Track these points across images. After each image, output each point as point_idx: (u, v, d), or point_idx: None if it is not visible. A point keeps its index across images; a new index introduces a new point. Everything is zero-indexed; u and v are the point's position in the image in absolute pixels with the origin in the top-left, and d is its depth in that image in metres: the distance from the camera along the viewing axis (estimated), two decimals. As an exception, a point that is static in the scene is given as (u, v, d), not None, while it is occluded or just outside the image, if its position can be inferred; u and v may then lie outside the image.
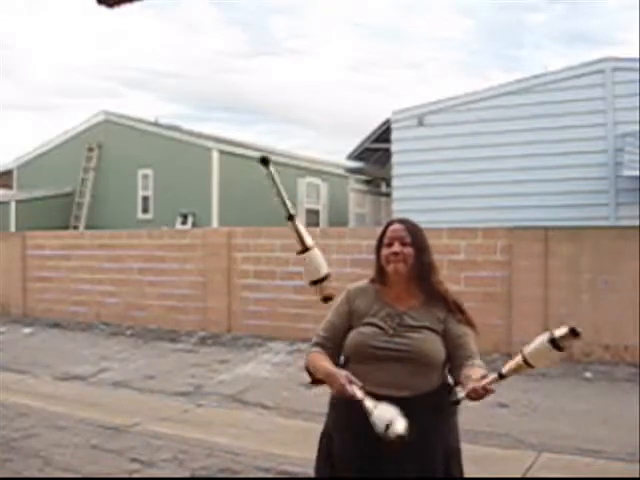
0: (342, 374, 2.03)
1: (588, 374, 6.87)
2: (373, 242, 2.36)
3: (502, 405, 5.80)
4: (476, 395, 1.97)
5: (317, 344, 2.27)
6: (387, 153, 12.68)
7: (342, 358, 2.27)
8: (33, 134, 50.24)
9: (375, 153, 14.20)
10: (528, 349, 1.96)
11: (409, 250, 2.22)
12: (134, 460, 4.42)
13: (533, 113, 10.64)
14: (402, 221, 2.32)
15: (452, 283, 7.94)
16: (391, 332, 2.17)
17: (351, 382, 1.99)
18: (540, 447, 4.69)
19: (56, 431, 5.11)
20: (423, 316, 2.20)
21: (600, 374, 6.85)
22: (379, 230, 2.36)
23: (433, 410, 2.12)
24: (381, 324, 2.19)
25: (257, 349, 8.41)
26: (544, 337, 1.93)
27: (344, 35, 51.77)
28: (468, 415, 5.52)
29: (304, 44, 51.34)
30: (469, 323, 2.25)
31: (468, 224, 9.13)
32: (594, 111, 10.29)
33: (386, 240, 2.26)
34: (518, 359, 1.98)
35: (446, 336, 2.18)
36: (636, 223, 8.56)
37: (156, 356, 8.33)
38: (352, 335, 2.21)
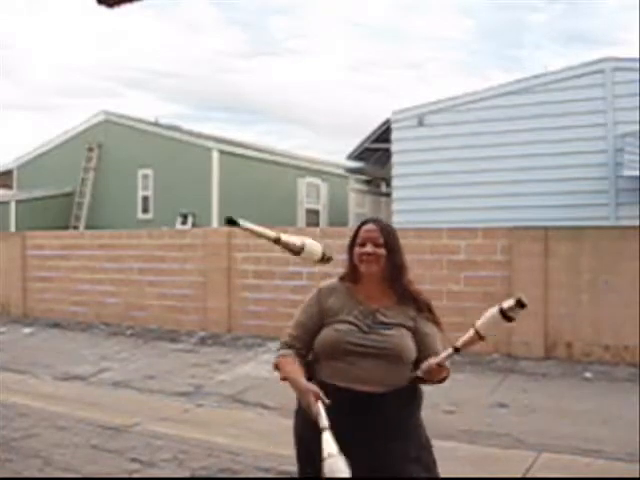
0: (310, 391, 2.06)
1: (588, 374, 6.87)
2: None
3: (502, 405, 5.80)
4: (430, 373, 2.06)
5: (287, 345, 2.29)
6: (387, 153, 12.67)
7: (311, 355, 2.30)
8: (33, 134, 50.27)
9: (375, 153, 14.19)
10: (479, 322, 2.04)
11: (381, 251, 2.25)
12: (134, 460, 4.42)
13: (533, 113, 10.64)
14: (376, 221, 2.34)
15: (452, 283, 7.96)
16: (366, 329, 2.21)
17: (318, 398, 2.03)
18: (540, 447, 4.69)
19: (56, 431, 5.11)
20: (395, 314, 2.25)
21: (600, 374, 6.85)
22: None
23: (407, 404, 2.20)
24: (355, 321, 2.22)
25: (257, 349, 8.41)
26: (494, 309, 2.02)
27: (344, 35, 51.80)
28: (468, 415, 5.54)
29: (304, 44, 51.38)
30: (437, 323, 2.30)
31: (468, 224, 9.13)
32: (594, 111, 10.29)
33: (359, 240, 2.29)
34: (471, 332, 2.05)
35: (415, 333, 2.24)
36: (636, 223, 8.56)
37: (156, 356, 8.33)
38: (326, 332, 2.23)
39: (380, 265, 2.24)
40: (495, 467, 4.30)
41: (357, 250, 2.27)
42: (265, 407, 5.79)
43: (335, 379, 2.19)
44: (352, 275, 2.31)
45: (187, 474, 4.20)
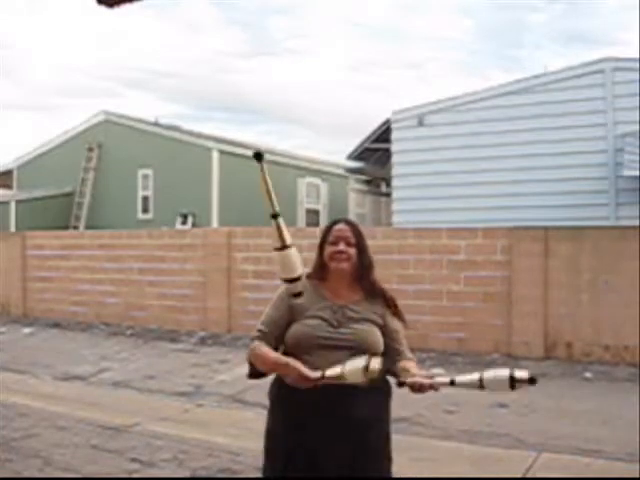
0: (297, 362, 2.13)
1: (588, 374, 6.86)
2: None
3: (502, 405, 5.80)
4: (420, 390, 2.10)
5: (259, 338, 2.35)
6: (387, 153, 12.67)
7: (281, 350, 2.34)
8: (33, 134, 50.31)
9: (375, 153, 14.19)
10: (487, 374, 2.07)
11: (353, 250, 2.34)
12: (134, 460, 4.42)
13: (533, 113, 10.64)
14: (347, 222, 2.43)
15: (452, 283, 7.95)
16: (335, 324, 2.28)
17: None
18: (540, 447, 4.69)
19: (56, 431, 5.11)
20: (363, 309, 2.33)
21: (600, 374, 6.85)
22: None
23: (378, 396, 2.28)
24: (325, 316, 2.29)
25: (257, 349, 8.40)
26: (506, 372, 2.05)
27: (344, 35, 51.82)
28: (468, 415, 5.54)
29: (304, 44, 51.40)
30: (401, 319, 2.40)
31: (468, 224, 9.13)
32: (594, 111, 10.29)
33: (331, 238, 2.36)
34: (474, 378, 2.07)
35: (383, 328, 2.32)
36: (636, 223, 8.56)
37: (156, 356, 8.33)
38: (297, 327, 2.29)
39: (351, 263, 2.33)
40: (495, 467, 4.30)
41: (329, 248, 2.34)
42: (265, 407, 5.75)
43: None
44: (320, 272, 2.38)
45: (187, 474, 4.20)
